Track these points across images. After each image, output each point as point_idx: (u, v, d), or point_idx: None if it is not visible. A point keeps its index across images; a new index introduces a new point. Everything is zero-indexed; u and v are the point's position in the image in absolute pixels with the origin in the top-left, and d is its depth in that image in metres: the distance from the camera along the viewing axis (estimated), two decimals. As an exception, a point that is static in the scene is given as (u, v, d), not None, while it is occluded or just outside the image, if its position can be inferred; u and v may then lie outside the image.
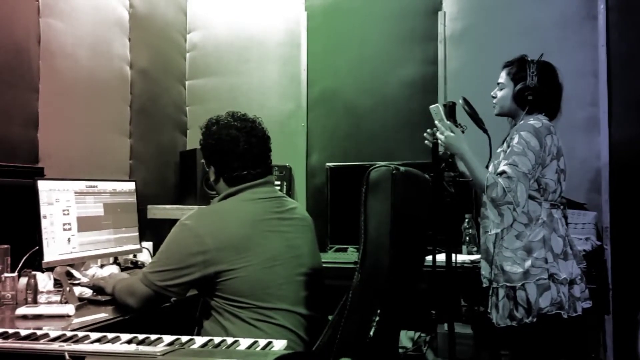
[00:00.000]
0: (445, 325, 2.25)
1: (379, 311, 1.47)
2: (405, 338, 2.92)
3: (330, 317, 1.84)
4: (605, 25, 3.03)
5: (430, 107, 2.24)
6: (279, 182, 3.49)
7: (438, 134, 2.22)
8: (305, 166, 3.60)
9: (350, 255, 3.13)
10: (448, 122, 2.22)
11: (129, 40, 3.25)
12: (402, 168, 1.52)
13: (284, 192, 3.48)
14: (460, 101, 2.32)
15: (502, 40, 3.21)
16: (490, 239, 2.21)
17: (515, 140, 2.13)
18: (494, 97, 2.34)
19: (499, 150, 2.27)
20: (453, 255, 2.18)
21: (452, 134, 2.19)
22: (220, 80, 3.81)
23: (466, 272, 2.59)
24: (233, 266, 1.65)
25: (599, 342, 2.90)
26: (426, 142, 2.27)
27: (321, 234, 3.36)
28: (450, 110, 2.26)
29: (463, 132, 2.23)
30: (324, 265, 2.79)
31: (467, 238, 2.91)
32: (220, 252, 1.65)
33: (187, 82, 3.87)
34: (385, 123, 3.45)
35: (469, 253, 2.87)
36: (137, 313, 1.77)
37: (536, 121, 2.17)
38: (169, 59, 3.70)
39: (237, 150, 1.79)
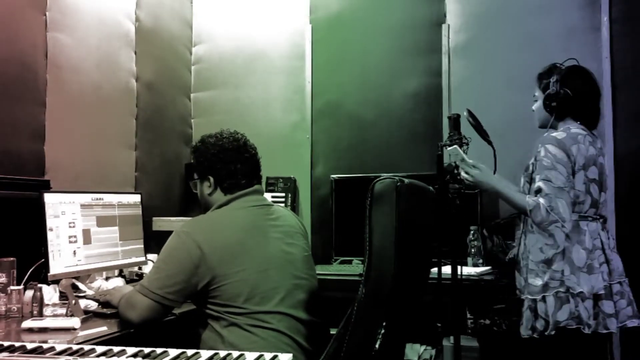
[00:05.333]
0: (451, 338, 2.23)
1: (384, 324, 1.47)
2: (411, 351, 2.91)
3: (328, 325, 1.86)
4: (609, 37, 3.04)
5: (448, 149, 2.22)
6: (283, 194, 3.50)
7: (463, 174, 2.20)
8: (310, 178, 3.60)
9: (355, 267, 3.12)
10: (470, 161, 2.20)
11: (135, 53, 3.28)
12: (406, 180, 1.52)
13: (289, 203, 3.49)
14: (465, 113, 2.32)
15: (505, 52, 3.23)
16: (521, 250, 2.20)
17: (542, 153, 2.11)
18: (534, 111, 2.35)
19: (530, 162, 2.24)
20: (458, 267, 2.17)
21: (477, 171, 2.18)
22: (225, 93, 3.83)
23: (472, 284, 2.58)
24: (229, 271, 1.68)
25: (605, 355, 2.87)
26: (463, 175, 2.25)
27: (326, 246, 3.39)
28: (454, 123, 2.27)
29: (467, 144, 2.23)
30: (329, 277, 2.81)
31: (473, 250, 2.90)
32: (216, 258, 1.68)
33: (192, 95, 3.90)
34: (389, 135, 3.46)
35: (475, 265, 2.86)
36: (137, 328, 1.76)
37: (560, 132, 2.15)
38: (174, 72, 3.73)
39: (240, 157, 1.88)
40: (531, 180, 2.18)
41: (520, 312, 2.19)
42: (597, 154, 2.17)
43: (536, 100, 2.31)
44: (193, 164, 1.96)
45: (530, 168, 2.21)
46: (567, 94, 2.18)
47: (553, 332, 2.03)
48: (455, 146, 2.21)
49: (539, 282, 2.08)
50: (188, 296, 1.74)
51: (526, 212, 2.08)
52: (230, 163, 1.86)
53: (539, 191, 2.08)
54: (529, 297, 2.10)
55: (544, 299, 2.06)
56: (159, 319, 1.77)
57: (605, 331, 2.05)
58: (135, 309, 1.74)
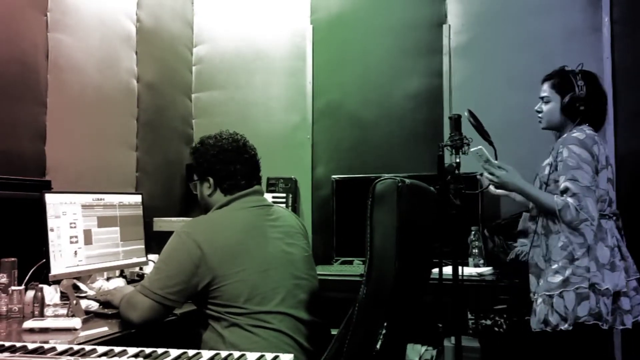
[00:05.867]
0: (453, 338, 2.23)
1: (385, 324, 1.47)
2: (412, 351, 2.91)
3: (329, 325, 1.86)
4: (610, 38, 3.04)
5: (472, 150, 2.21)
6: (284, 195, 3.50)
7: (486, 175, 2.21)
8: (310, 178, 3.60)
9: (356, 267, 3.12)
10: (496, 162, 2.20)
11: (136, 54, 3.28)
12: (407, 180, 1.52)
13: (290, 204, 3.49)
14: (466, 113, 2.32)
15: (506, 53, 3.23)
16: (539, 253, 2.19)
17: (566, 154, 2.13)
18: (539, 112, 2.33)
19: (545, 163, 2.26)
20: (460, 267, 2.17)
21: (504, 172, 2.18)
22: (226, 93, 3.83)
23: (473, 284, 2.58)
24: (229, 271, 1.68)
25: (607, 356, 2.87)
26: (484, 176, 2.26)
27: (327, 247, 3.39)
28: (455, 123, 2.26)
29: (469, 144, 2.23)
30: (330, 278, 2.81)
31: (474, 250, 2.90)
32: (216, 258, 1.69)
33: (193, 95, 3.90)
34: (390, 135, 3.46)
35: (476, 265, 2.87)
36: (138, 328, 1.75)
37: (580, 133, 2.17)
38: (175, 73, 3.73)
39: (239, 158, 1.88)
40: (548, 181, 2.19)
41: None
42: (608, 154, 2.21)
43: (548, 102, 2.30)
44: (192, 165, 1.96)
45: (547, 170, 2.21)
46: (592, 98, 2.21)
47: (571, 328, 2.04)
48: (480, 147, 2.21)
49: (558, 278, 2.08)
50: (189, 296, 1.74)
51: (554, 211, 2.09)
52: (230, 164, 1.87)
53: (565, 191, 2.09)
54: (546, 293, 2.11)
55: (561, 294, 2.06)
56: (159, 320, 1.77)
57: (621, 327, 2.08)
58: (136, 309, 1.73)
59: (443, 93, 3.36)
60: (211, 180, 1.89)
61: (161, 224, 3.24)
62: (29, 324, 1.76)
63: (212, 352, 1.27)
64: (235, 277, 1.69)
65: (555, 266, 2.11)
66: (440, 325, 2.57)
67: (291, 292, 1.76)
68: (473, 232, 2.92)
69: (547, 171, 2.22)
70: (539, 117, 2.34)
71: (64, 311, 1.94)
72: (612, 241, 2.12)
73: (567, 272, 2.07)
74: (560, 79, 2.26)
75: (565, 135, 2.22)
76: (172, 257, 1.73)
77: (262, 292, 1.70)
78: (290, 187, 3.52)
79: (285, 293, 1.74)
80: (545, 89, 2.31)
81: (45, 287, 2.05)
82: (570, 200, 2.07)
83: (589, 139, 2.14)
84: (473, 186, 2.87)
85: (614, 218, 2.20)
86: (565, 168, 2.12)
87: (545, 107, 2.31)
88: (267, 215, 1.86)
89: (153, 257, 2.80)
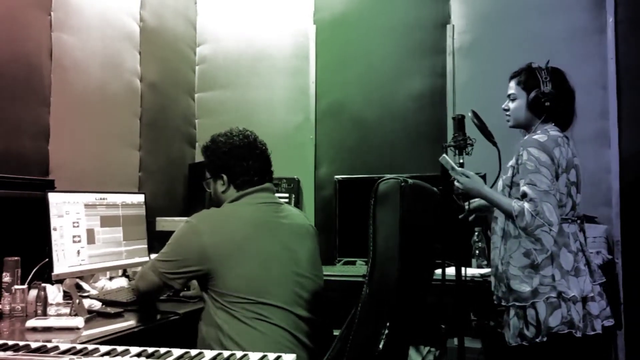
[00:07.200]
0: (455, 339, 2.23)
1: (388, 324, 1.46)
2: (414, 353, 2.90)
3: (329, 324, 1.86)
4: (615, 38, 3.03)
5: (439, 159, 2.22)
6: (287, 195, 3.50)
7: (455, 184, 2.20)
8: (313, 178, 3.60)
9: (359, 268, 3.11)
10: (459, 169, 2.18)
11: (139, 53, 3.29)
12: (410, 180, 1.52)
13: (293, 204, 3.48)
14: (469, 114, 2.30)
15: (510, 53, 3.21)
16: (500, 254, 2.17)
17: (525, 157, 2.08)
18: (507, 110, 2.29)
19: (509, 164, 2.23)
20: (463, 268, 2.16)
21: (467, 179, 2.16)
22: (229, 93, 3.83)
23: (476, 286, 2.57)
24: (230, 263, 1.72)
25: (610, 358, 2.86)
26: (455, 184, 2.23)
27: (329, 247, 3.38)
28: (459, 124, 2.25)
29: (472, 145, 2.22)
30: (333, 278, 2.80)
31: (477, 251, 2.90)
32: (219, 250, 1.73)
33: (196, 95, 3.90)
34: (393, 135, 3.45)
35: (479, 266, 2.86)
36: (142, 298, 1.95)
37: (542, 135, 2.12)
38: (178, 72, 3.73)
39: (251, 154, 1.91)
40: (511, 184, 2.16)
41: (494, 316, 2.16)
42: (573, 155, 2.15)
43: (514, 99, 2.25)
44: (205, 163, 1.98)
45: (510, 172, 2.17)
46: (558, 94, 2.16)
47: (545, 339, 2.00)
48: (443, 155, 2.21)
49: (526, 288, 2.04)
50: (189, 279, 1.84)
51: (512, 216, 2.05)
52: (243, 160, 1.89)
53: (524, 196, 2.05)
54: (517, 304, 2.06)
55: (533, 305, 2.02)
56: (160, 294, 1.96)
57: (592, 332, 2.02)
58: (144, 280, 1.88)
59: (446, 93, 3.36)
60: (225, 177, 1.91)
61: (164, 223, 3.23)
62: (31, 322, 1.77)
63: (215, 352, 1.27)
64: (236, 270, 1.71)
65: (518, 273, 2.06)
66: (443, 326, 2.56)
67: (292, 290, 1.77)
68: (476, 233, 2.91)
69: (510, 173, 2.18)
70: (507, 115, 2.29)
71: (67, 310, 1.94)
72: (575, 246, 2.07)
73: (535, 283, 2.03)
74: (527, 76, 2.22)
75: (526, 137, 2.18)
76: (178, 243, 1.81)
77: (262, 287, 1.72)
78: (293, 187, 3.52)
79: (286, 290, 1.76)
80: (512, 86, 2.26)
81: (48, 286, 2.06)
82: (526, 205, 2.01)
83: (551, 141, 2.09)
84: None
85: (578, 222, 2.14)
86: (524, 172, 2.07)
87: (512, 105, 2.26)
88: (275, 213, 1.88)
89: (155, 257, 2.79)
